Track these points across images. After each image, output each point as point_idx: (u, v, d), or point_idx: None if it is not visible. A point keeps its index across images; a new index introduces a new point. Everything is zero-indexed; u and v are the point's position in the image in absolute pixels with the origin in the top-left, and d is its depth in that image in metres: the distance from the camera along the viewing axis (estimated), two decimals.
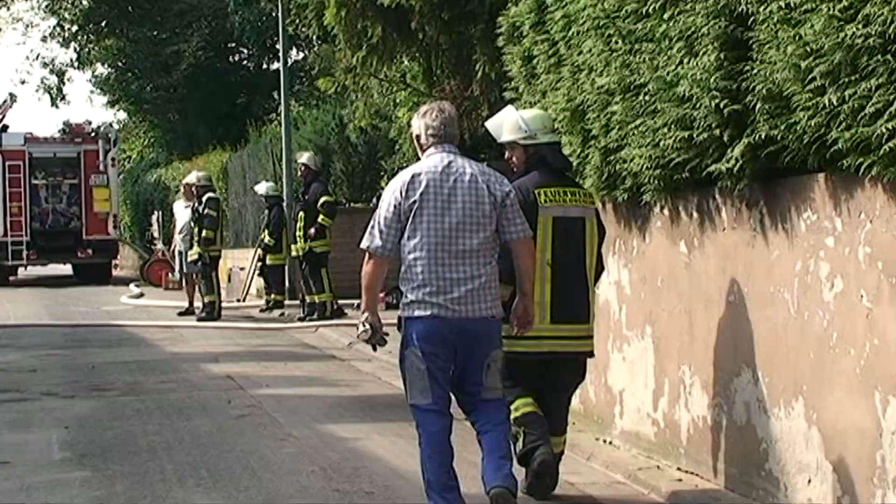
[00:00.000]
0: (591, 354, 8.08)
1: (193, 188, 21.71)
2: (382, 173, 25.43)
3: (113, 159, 35.42)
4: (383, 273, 7.08)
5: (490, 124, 8.27)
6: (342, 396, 12.51)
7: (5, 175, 34.26)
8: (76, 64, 48.76)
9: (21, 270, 37.74)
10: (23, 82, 49.33)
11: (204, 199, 21.16)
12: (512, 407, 7.67)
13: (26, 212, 34.37)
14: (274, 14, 33.47)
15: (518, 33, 10.70)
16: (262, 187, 22.77)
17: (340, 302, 20.14)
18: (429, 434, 6.99)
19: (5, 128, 35.87)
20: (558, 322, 7.76)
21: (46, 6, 48.06)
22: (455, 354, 7.00)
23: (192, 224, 21.42)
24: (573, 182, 8.23)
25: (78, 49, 48.21)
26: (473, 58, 14.66)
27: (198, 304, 22.01)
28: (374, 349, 7.39)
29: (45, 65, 50.28)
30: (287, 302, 22.83)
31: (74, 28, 47.74)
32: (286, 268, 23.00)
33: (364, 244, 7.02)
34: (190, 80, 43.55)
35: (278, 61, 31.70)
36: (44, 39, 49.41)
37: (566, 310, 7.78)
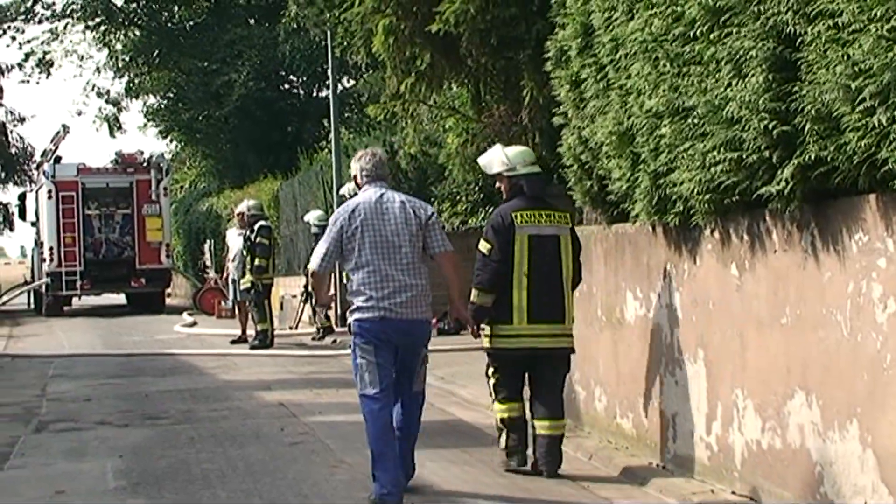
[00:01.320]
0: (571, 350, 9.58)
1: (245, 217, 21.83)
2: (433, 199, 25.47)
3: (165, 189, 35.62)
4: (325, 282, 9.05)
5: (482, 160, 9.90)
6: None
7: (59, 206, 34.54)
8: (129, 94, 49.31)
9: (75, 300, 38.06)
10: (79, 113, 49.86)
11: (256, 227, 21.27)
12: (500, 406, 9.52)
13: (80, 242, 34.60)
14: (323, 43, 33.63)
15: (566, 57, 10.70)
16: (312, 216, 22.85)
17: None
18: (373, 417, 8.43)
19: (58, 159, 36.21)
20: (534, 322, 9.32)
21: (99, 38, 48.60)
22: (396, 351, 8.55)
23: (245, 252, 21.54)
24: (549, 206, 9.58)
25: (130, 80, 48.71)
26: (522, 83, 14.67)
27: (250, 332, 22.12)
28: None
29: (99, 95, 50.87)
30: (337, 328, 22.87)
31: (126, 59, 48.24)
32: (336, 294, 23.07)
33: (312, 265, 8.82)
34: (240, 110, 43.77)
35: (328, 89, 31.86)
36: (97, 71, 50.03)
37: (541, 312, 9.32)
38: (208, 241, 36.89)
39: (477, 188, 23.88)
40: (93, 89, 50.89)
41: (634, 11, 9.01)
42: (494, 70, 15.66)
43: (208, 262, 35.09)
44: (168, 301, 38.33)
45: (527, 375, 9.65)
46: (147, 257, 35.04)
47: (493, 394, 9.69)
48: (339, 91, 31.22)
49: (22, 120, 52.51)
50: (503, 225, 9.39)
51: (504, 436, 9.56)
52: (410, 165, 25.89)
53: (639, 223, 9.55)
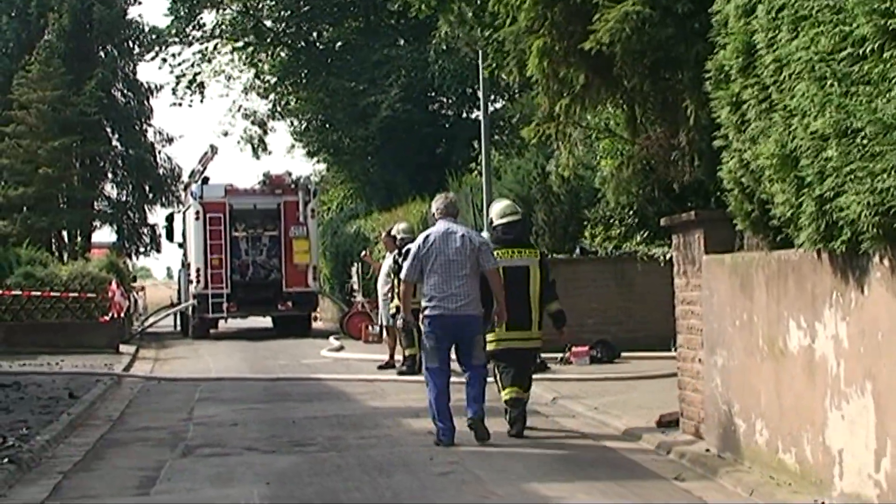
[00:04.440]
0: (537, 349, 14.27)
1: (395, 240, 22.00)
2: (585, 223, 25.39)
3: (313, 210, 35.78)
4: (412, 289, 13.80)
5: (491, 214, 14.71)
6: (546, 454, 12.47)
7: (206, 227, 34.94)
8: (274, 115, 50.01)
9: (221, 323, 38.60)
10: (225, 134, 50.70)
11: (405, 250, 21.38)
12: (504, 392, 13.78)
13: (227, 264, 34.97)
14: (474, 63, 33.79)
15: (726, 78, 10.60)
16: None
17: (543, 355, 20.13)
18: (434, 383, 13.12)
19: (206, 180, 36.66)
20: (511, 329, 13.60)
21: (246, 58, 49.39)
22: (453, 337, 13.19)
23: (393, 276, 21.69)
24: (521, 244, 14.11)
25: (276, 100, 49.39)
26: (680, 104, 14.55)
27: (398, 357, 22.26)
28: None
29: (245, 116, 51.65)
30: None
31: (273, 80, 48.90)
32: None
33: (402, 276, 13.68)
34: (387, 131, 44.04)
35: (478, 110, 32.03)
36: (245, 91, 50.82)
37: (514, 322, 13.53)
38: (355, 263, 37.21)
39: (632, 212, 23.73)
40: (238, 110, 51.72)
41: (799, 30, 8.89)
42: (651, 91, 15.54)
43: (355, 286, 35.35)
44: (314, 325, 38.66)
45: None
46: (294, 280, 35.27)
47: (499, 384, 13.91)
48: (489, 112, 31.33)
49: (170, 140, 53.67)
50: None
51: (507, 412, 13.77)
52: (563, 188, 25.84)
53: (802, 249, 9.41)
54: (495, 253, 13.56)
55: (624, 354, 21.91)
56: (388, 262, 23.00)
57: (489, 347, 13.72)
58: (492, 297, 13.39)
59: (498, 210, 14.52)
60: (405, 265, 13.53)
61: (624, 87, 15.90)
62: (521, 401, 13.80)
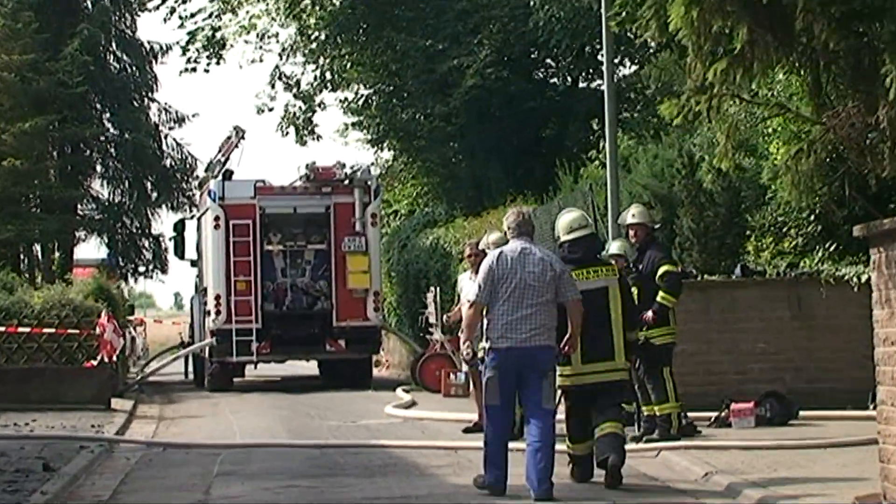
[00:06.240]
0: (624, 381, 16.58)
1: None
2: (748, 232, 25.27)
3: (374, 216, 35.74)
4: (480, 315, 15.54)
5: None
6: None
7: (229, 238, 34.98)
8: (324, 85, 49.77)
9: (249, 369, 38.66)
10: (260, 111, 49.89)
11: None
12: (573, 446, 16.14)
13: (257, 289, 34.96)
14: (595, 12, 33.64)
15: None
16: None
17: (691, 415, 20.07)
18: (495, 424, 15.26)
19: (229, 174, 36.60)
20: (589, 362, 15.82)
21: (286, 8, 49.26)
22: (520, 371, 15.18)
23: None
24: (596, 262, 16.52)
25: (326, 65, 49.18)
26: (881, 70, 14.46)
27: None
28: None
29: (288, 87, 51.37)
30: None
31: (322, 37, 48.81)
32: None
33: (471, 296, 16.04)
34: (475, 106, 43.78)
35: (600, 78, 32.01)
36: (283, 54, 50.61)
37: (594, 352, 15.80)
38: (433, 288, 37.25)
39: (813, 217, 23.61)
40: (279, 78, 51.50)
41: None
42: (840, 51, 15.47)
43: (432, 319, 35.28)
44: (377, 372, 38.63)
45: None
46: (348, 311, 35.22)
47: (568, 434, 16.18)
48: (616, 80, 31.25)
49: (180, 121, 53.78)
50: None
51: (573, 466, 16.22)
52: (718, 185, 25.66)
53: None
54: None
55: (803, 413, 21.79)
56: (473, 286, 22.97)
57: (561, 383, 15.85)
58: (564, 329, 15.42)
59: (565, 223, 16.61)
60: (475, 283, 15.81)
61: (803, 45, 15.86)
62: (618, 439, 15.91)
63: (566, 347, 15.46)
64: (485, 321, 15.59)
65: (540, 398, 15.03)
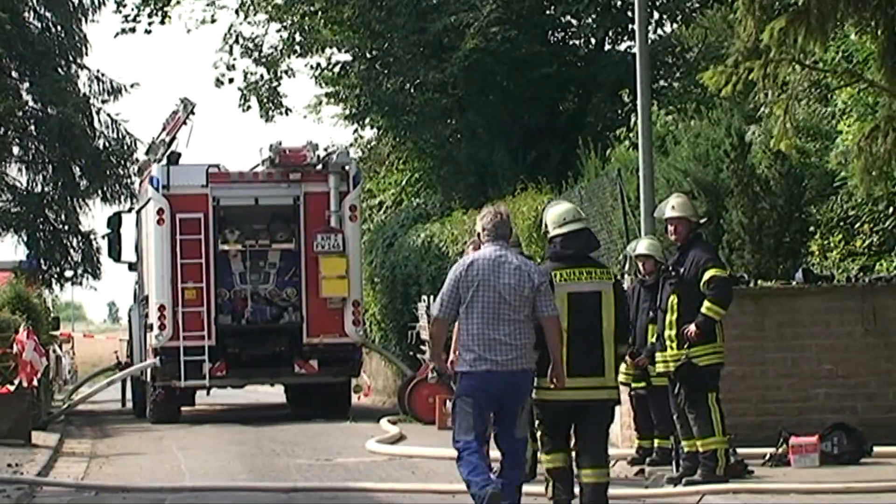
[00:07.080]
0: (613, 401, 17.04)
1: None
2: (812, 228, 25.26)
3: (353, 208, 35.94)
4: (445, 331, 16.71)
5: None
6: None
7: (175, 236, 35.19)
8: (293, 49, 49.76)
9: (201, 395, 38.70)
10: (219, 83, 49.22)
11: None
12: (546, 458, 16.77)
13: (209, 298, 35.16)
14: None
15: None
16: (642, 246, 22.69)
17: (741, 451, 20.06)
18: (471, 461, 15.82)
19: (175, 157, 36.71)
20: (574, 376, 16.40)
21: None
22: (499, 400, 16.04)
23: None
24: (590, 262, 17.19)
25: (295, 25, 49.18)
26: None
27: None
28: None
29: (247, 52, 51.38)
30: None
31: None
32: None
33: (433, 311, 16.42)
34: (476, 74, 43.87)
35: (631, 39, 32.03)
36: (242, 10, 50.57)
37: (581, 366, 16.50)
38: (424, 297, 37.32)
39: (891, 210, 23.60)
40: (236, 41, 51.51)
41: None
42: None
43: (424, 334, 35.33)
44: (356, 399, 38.71)
45: (572, 428, 17.04)
46: (322, 325, 35.46)
47: (540, 445, 17.09)
48: (650, 42, 31.27)
49: (116, 92, 53.68)
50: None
51: (550, 485, 16.82)
52: (774, 171, 25.67)
53: None
54: (556, 274, 16.78)
55: (877, 450, 21.80)
56: None
57: (538, 396, 16.61)
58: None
59: (556, 215, 17.40)
60: (439, 296, 16.45)
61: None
62: (601, 495, 16.77)
63: (553, 380, 16.27)
64: (454, 335, 16.61)
65: (514, 429, 16.02)
